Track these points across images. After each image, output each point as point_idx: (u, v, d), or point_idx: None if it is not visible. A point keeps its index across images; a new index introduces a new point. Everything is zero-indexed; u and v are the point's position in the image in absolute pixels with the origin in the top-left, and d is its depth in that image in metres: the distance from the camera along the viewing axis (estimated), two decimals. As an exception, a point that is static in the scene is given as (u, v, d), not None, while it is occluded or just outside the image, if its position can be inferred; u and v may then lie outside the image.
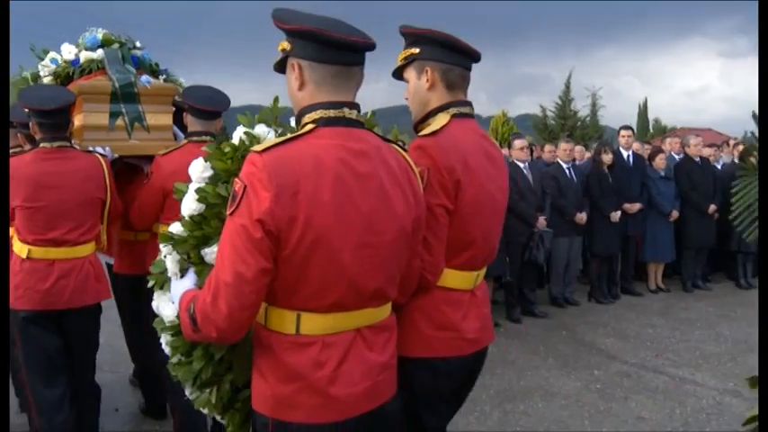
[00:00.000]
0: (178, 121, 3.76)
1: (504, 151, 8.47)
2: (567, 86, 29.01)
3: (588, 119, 29.34)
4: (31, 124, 3.24)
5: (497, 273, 6.66)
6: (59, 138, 3.20)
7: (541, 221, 6.83)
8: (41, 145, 3.19)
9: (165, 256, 2.01)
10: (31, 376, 3.22)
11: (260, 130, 2.03)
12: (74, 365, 3.31)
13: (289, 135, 1.66)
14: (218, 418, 2.06)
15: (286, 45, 1.71)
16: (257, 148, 1.61)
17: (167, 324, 2.01)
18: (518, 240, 6.77)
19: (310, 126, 1.64)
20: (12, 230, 3.23)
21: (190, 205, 1.97)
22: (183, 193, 2.02)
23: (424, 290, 2.02)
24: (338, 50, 1.65)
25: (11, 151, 3.61)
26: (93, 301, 3.31)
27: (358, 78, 1.72)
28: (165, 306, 2.03)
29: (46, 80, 3.71)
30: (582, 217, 7.28)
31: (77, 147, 3.40)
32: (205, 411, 2.04)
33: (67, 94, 3.34)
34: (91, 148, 3.44)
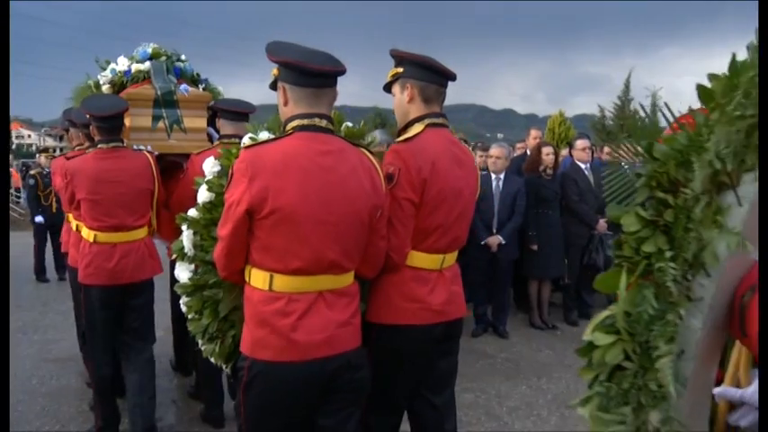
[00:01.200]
0: (212, 124, 4.41)
1: (564, 152, 8.33)
2: (627, 86, 28.25)
3: (647, 119, 28.58)
4: (91, 127, 3.80)
5: (555, 275, 6.55)
6: (114, 139, 3.74)
7: (602, 224, 6.66)
8: (99, 145, 3.72)
9: (183, 235, 2.57)
10: (91, 339, 3.85)
11: (263, 135, 2.48)
12: (131, 332, 3.84)
13: (274, 137, 2.22)
14: (221, 365, 2.54)
15: (276, 71, 2.23)
16: (246, 144, 2.17)
17: (184, 287, 2.57)
18: (578, 243, 6.64)
19: (290, 131, 2.16)
20: (71, 218, 4.02)
21: (202, 194, 2.57)
22: (200, 184, 2.60)
23: (394, 268, 2.44)
24: (313, 77, 2.14)
25: (76, 148, 4.43)
26: (150, 275, 3.86)
27: (330, 96, 2.22)
28: (183, 274, 2.58)
29: (104, 87, 4.36)
30: None
31: (126, 146, 3.97)
32: (212, 360, 2.54)
33: (121, 102, 3.90)
34: (135, 146, 3.98)
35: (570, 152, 7.01)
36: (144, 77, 4.35)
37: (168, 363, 5.30)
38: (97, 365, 3.84)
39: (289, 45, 2.24)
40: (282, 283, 2.10)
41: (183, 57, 4.62)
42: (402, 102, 2.54)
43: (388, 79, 2.59)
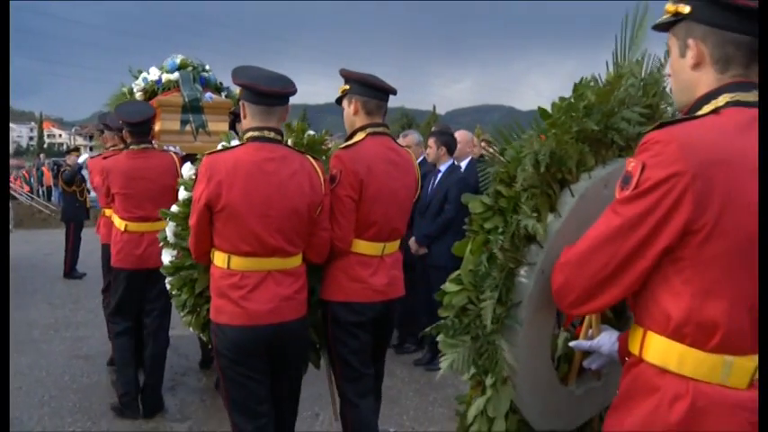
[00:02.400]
0: (233, 127, 4.89)
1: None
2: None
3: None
4: (123, 131, 4.39)
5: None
6: (143, 141, 4.28)
7: None
8: (131, 147, 4.27)
9: (166, 227, 3.18)
10: (115, 315, 4.42)
11: (235, 143, 2.93)
12: (154, 312, 4.34)
13: (231, 145, 2.79)
14: (198, 333, 3.15)
15: (239, 91, 2.77)
16: (208, 152, 2.71)
17: (166, 269, 3.17)
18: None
19: (245, 141, 2.69)
20: (110, 211, 4.50)
21: (181, 193, 3.16)
22: (180, 185, 3.20)
23: (341, 254, 2.90)
24: (265, 97, 2.64)
25: (112, 149, 4.98)
26: None
27: (279, 112, 2.71)
28: (166, 257, 3.19)
29: (137, 95, 5.06)
30: None
31: (156, 146, 4.52)
32: (191, 329, 3.15)
33: (149, 109, 4.45)
34: (165, 147, 4.56)
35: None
36: (173, 86, 5.02)
37: (196, 362, 5.41)
38: (116, 335, 4.44)
39: (250, 69, 2.76)
40: (237, 262, 2.64)
41: (207, 67, 5.29)
42: (349, 114, 3.00)
43: (339, 95, 3.05)
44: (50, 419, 4.32)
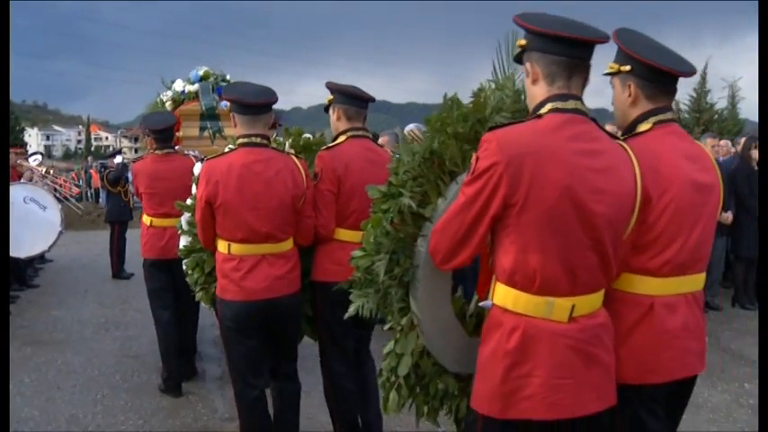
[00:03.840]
0: None
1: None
2: (703, 77, 26.97)
3: (726, 112, 27.07)
4: (149, 138, 5.01)
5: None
6: (166, 146, 4.88)
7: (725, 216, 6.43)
8: (155, 152, 4.88)
9: (182, 217, 3.83)
10: (152, 302, 4.97)
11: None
12: (177, 296, 4.86)
13: (226, 150, 3.33)
14: (209, 306, 3.71)
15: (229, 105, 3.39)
16: (208, 157, 3.30)
17: (182, 251, 3.77)
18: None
19: (237, 147, 3.24)
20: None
21: (193, 189, 3.72)
22: (193, 182, 3.75)
23: (324, 240, 3.40)
24: (250, 108, 3.17)
25: (146, 153, 5.65)
26: None
27: (265, 119, 3.22)
28: (182, 242, 3.81)
29: (167, 104, 5.85)
30: (727, 217, 6.78)
31: (178, 151, 5.11)
32: (203, 303, 3.78)
33: (171, 118, 5.10)
34: (186, 151, 5.27)
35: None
36: (193, 96, 5.81)
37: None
38: (158, 331, 4.98)
39: (237, 85, 3.50)
40: (236, 248, 3.19)
41: (227, 77, 6.02)
42: (333, 120, 3.48)
43: (326, 103, 3.51)
44: (104, 418, 4.45)
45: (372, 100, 3.48)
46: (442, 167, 2.23)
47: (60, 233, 7.61)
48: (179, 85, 5.87)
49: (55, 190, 8.79)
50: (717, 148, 7.17)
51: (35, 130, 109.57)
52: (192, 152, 5.28)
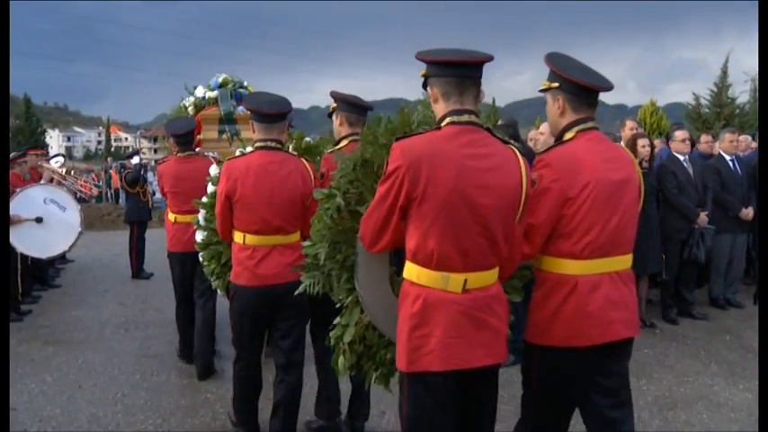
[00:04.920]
0: None
1: (659, 143, 7.95)
2: (724, 71, 26.51)
3: (748, 106, 26.60)
4: (172, 141, 5.48)
5: (653, 271, 6.28)
6: (188, 149, 5.40)
7: (702, 217, 6.35)
8: (178, 154, 5.37)
9: (199, 213, 4.24)
10: (176, 290, 5.53)
11: (249, 149, 3.86)
12: (201, 288, 5.24)
13: (237, 153, 3.90)
14: (223, 293, 4.21)
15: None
16: (229, 157, 3.77)
17: (200, 245, 4.22)
18: (677, 237, 6.37)
19: (254, 149, 3.68)
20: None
21: (209, 188, 4.17)
22: (209, 182, 4.21)
23: None
24: (265, 116, 3.62)
25: (168, 154, 6.20)
26: None
27: (279, 126, 3.66)
28: (199, 236, 4.23)
29: (190, 109, 6.39)
30: (748, 212, 6.70)
31: (199, 153, 5.60)
32: (219, 291, 4.29)
33: (191, 123, 5.64)
34: (206, 153, 5.76)
35: (668, 143, 6.69)
36: (213, 102, 6.37)
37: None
38: (178, 313, 5.63)
39: (257, 96, 4.07)
40: (251, 239, 3.63)
41: (245, 83, 6.65)
42: (336, 125, 3.85)
43: (330, 110, 3.90)
44: (124, 417, 4.50)
45: (371, 108, 3.83)
46: (377, 173, 2.61)
47: (80, 233, 7.68)
48: (200, 91, 6.44)
49: (74, 193, 8.84)
50: (735, 144, 7.03)
51: (56, 131, 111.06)
52: (211, 153, 5.74)
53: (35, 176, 8.48)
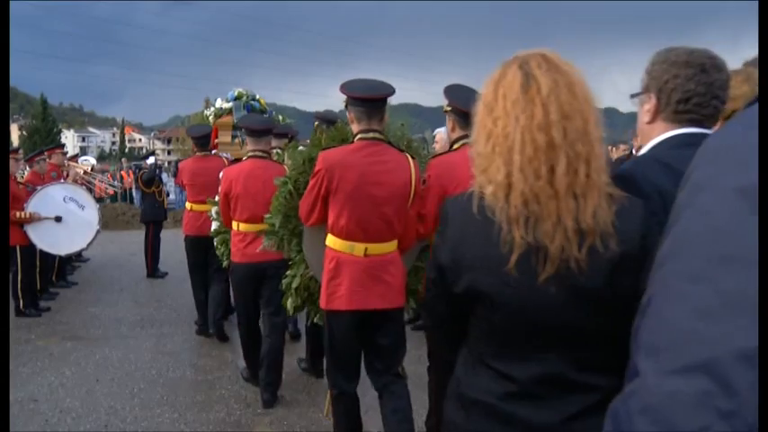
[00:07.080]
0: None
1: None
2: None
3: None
4: (192, 143, 6.74)
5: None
6: (204, 149, 6.61)
7: None
8: (197, 153, 6.57)
9: (212, 208, 5.45)
10: (191, 270, 6.56)
11: (245, 158, 4.87)
12: (213, 266, 6.19)
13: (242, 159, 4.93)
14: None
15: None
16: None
17: (214, 232, 5.41)
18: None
19: (246, 158, 4.75)
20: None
21: (219, 188, 4.86)
22: (220, 181, 5.01)
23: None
24: (255, 132, 4.67)
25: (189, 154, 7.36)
26: None
27: (266, 139, 4.73)
28: (213, 226, 5.43)
29: (210, 118, 7.98)
30: None
31: (214, 153, 6.92)
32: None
33: (208, 128, 7.01)
34: (221, 154, 7.03)
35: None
36: (229, 111, 7.91)
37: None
38: (194, 291, 6.63)
39: (248, 117, 5.44)
40: (243, 226, 4.63)
41: (257, 96, 8.18)
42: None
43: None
44: (141, 410, 4.62)
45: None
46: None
47: (98, 232, 7.83)
48: (219, 103, 8.04)
49: (90, 191, 9.02)
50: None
51: (71, 131, 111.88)
52: (225, 154, 6.92)
53: (60, 175, 8.66)
